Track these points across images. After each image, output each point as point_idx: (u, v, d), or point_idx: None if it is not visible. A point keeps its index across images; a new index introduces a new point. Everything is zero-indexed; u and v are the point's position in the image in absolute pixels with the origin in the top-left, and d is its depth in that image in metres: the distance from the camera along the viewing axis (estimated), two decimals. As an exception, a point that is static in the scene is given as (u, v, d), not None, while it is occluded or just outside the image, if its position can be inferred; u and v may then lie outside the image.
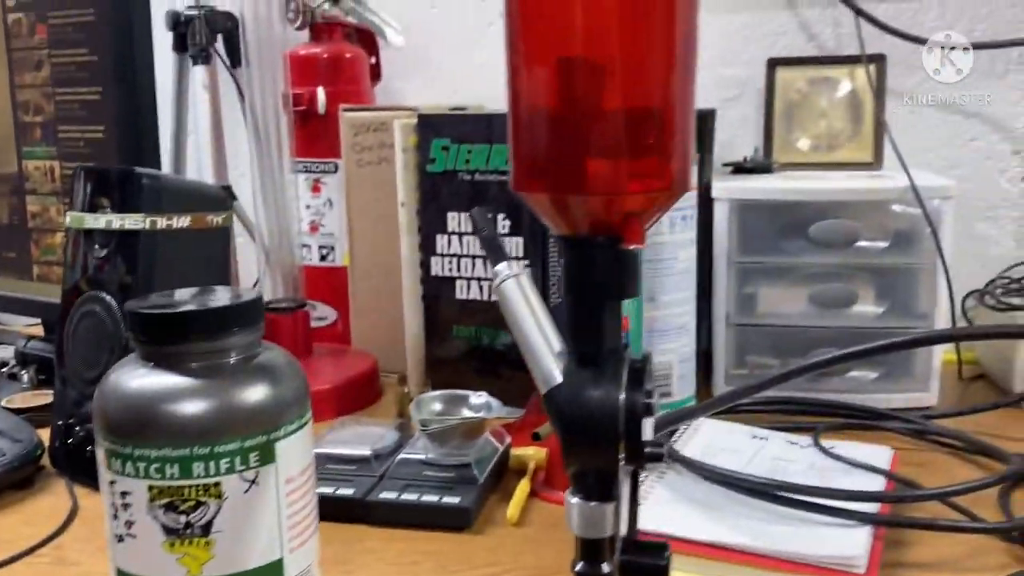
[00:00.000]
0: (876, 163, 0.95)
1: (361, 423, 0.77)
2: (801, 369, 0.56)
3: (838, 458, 0.68)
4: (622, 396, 0.35)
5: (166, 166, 1.06)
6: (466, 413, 0.71)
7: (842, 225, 0.83)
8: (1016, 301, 0.91)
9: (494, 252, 0.40)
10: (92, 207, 0.71)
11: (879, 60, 0.95)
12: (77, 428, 0.71)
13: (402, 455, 0.69)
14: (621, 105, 0.34)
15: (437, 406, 0.72)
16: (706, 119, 0.86)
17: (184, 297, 0.45)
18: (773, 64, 0.98)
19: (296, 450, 0.43)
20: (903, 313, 0.85)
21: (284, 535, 0.43)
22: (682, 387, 0.80)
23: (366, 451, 0.69)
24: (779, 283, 0.86)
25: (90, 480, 0.70)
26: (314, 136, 0.99)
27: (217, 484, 0.40)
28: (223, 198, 0.75)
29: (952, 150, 1.00)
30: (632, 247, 0.34)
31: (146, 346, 0.42)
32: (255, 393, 0.42)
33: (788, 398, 0.83)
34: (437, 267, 0.87)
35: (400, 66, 1.10)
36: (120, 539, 0.42)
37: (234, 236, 1.01)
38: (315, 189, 1.00)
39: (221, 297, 0.44)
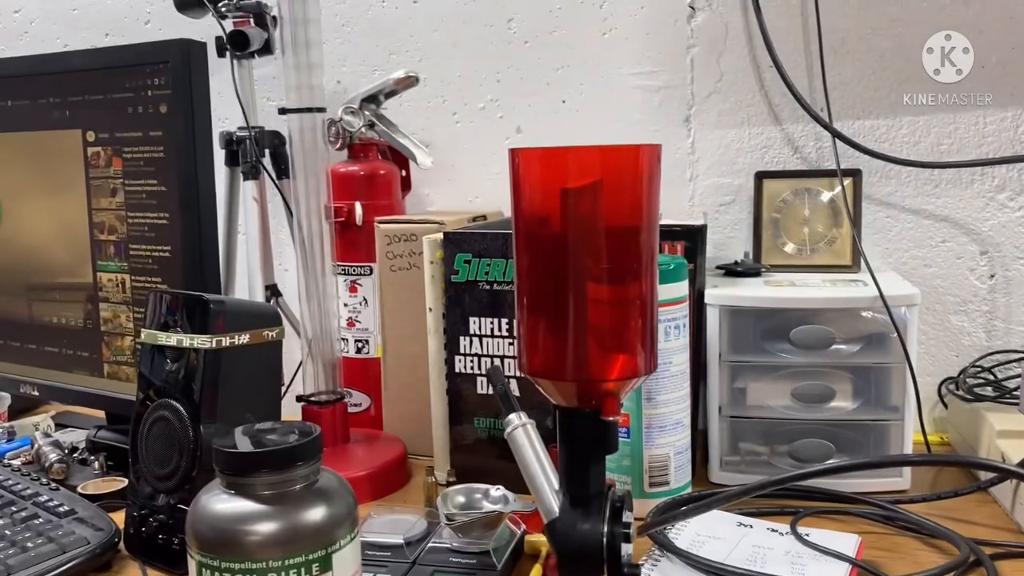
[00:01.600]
0: (854, 266, 1.05)
1: (394, 511, 0.87)
2: (800, 475, 0.65)
3: (811, 545, 0.78)
4: (605, 529, 0.46)
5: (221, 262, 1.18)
6: (486, 506, 0.81)
7: (819, 330, 0.93)
8: (985, 392, 1.01)
9: (506, 405, 0.51)
10: (164, 326, 0.83)
11: (855, 174, 1.06)
12: (151, 519, 0.82)
13: (431, 543, 0.80)
14: (600, 321, 0.45)
15: (460, 499, 0.82)
16: (697, 233, 0.97)
17: (259, 433, 0.57)
18: (760, 176, 1.09)
19: (348, 557, 0.54)
20: (877, 406, 0.94)
21: None
22: (679, 476, 0.90)
23: (399, 539, 0.79)
24: (765, 379, 0.96)
25: (162, 564, 0.81)
26: (352, 243, 1.11)
27: None
28: (276, 315, 0.87)
29: (925, 250, 1.11)
30: (610, 418, 0.45)
31: (227, 476, 0.54)
32: (316, 514, 0.53)
33: (777, 480, 0.92)
34: (460, 365, 0.98)
35: (427, 175, 1.22)
36: None
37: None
38: (352, 289, 1.12)
39: (288, 435, 0.56)
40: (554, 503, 0.47)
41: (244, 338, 0.83)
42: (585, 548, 0.45)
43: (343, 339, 1.13)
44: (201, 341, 0.81)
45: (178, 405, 0.81)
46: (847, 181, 1.05)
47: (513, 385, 0.96)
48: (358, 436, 1.07)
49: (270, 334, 0.85)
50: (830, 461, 0.94)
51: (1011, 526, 0.85)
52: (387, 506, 0.92)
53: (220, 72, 1.18)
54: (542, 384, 0.46)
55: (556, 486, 0.48)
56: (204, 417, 0.80)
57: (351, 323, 1.12)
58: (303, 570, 0.51)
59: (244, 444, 0.55)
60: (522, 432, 0.50)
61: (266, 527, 0.51)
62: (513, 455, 0.50)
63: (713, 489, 0.94)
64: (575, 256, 0.44)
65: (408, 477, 1.03)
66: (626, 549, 0.46)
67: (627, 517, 0.47)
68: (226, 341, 0.81)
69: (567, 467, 0.47)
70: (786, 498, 0.90)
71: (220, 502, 0.53)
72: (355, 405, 1.13)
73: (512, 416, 0.50)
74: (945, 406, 1.09)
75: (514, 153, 0.45)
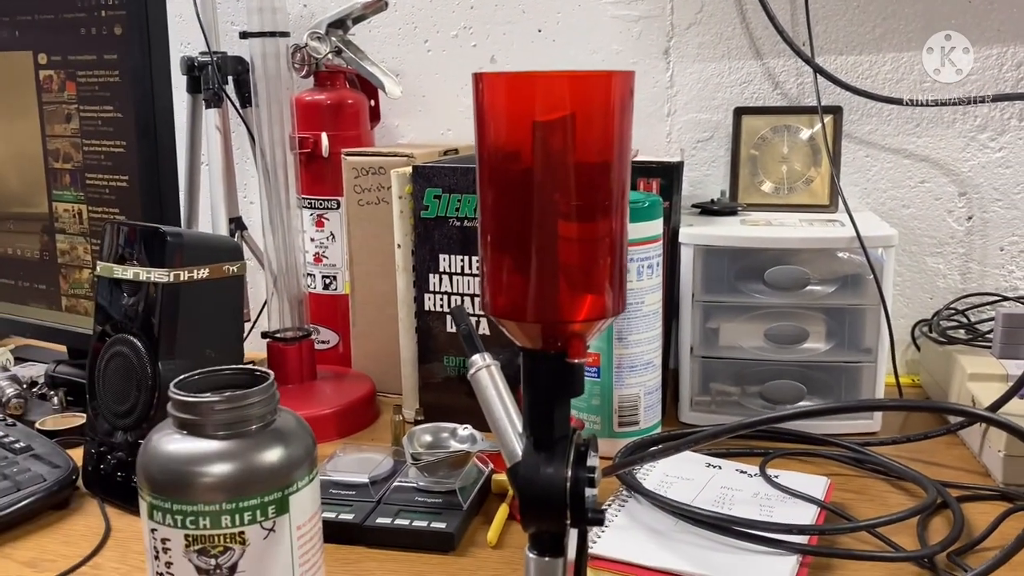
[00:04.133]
0: (831, 206, 1.03)
1: (361, 449, 0.86)
2: (772, 419, 0.63)
3: (780, 487, 0.77)
4: (569, 473, 0.44)
5: (181, 197, 1.14)
6: (453, 445, 0.80)
7: (794, 271, 0.91)
8: (958, 335, 1.00)
9: (470, 345, 0.49)
10: (120, 259, 0.80)
11: (836, 111, 1.03)
12: (109, 456, 0.80)
13: (396, 482, 0.78)
14: (568, 259, 0.42)
15: (427, 438, 0.81)
16: (673, 171, 0.94)
17: (214, 373, 0.55)
18: (739, 112, 1.06)
19: (306, 500, 0.52)
20: (850, 348, 0.94)
21: (296, 569, 0.52)
22: (648, 416, 0.89)
23: (364, 478, 0.78)
24: (738, 319, 0.95)
25: (120, 502, 0.80)
26: (318, 176, 1.07)
27: (242, 533, 0.49)
28: (237, 249, 0.84)
29: (904, 191, 1.09)
30: (576, 360, 0.43)
31: (180, 416, 0.51)
32: (271, 456, 0.51)
33: (747, 423, 0.92)
34: (430, 303, 0.96)
35: (397, 105, 1.18)
36: None
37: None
38: (319, 224, 1.09)
39: (242, 378, 0.54)
40: (517, 446, 0.46)
41: (204, 272, 0.80)
42: (548, 492, 0.44)
43: (310, 275, 1.10)
44: (159, 275, 0.78)
45: (136, 340, 0.79)
46: (827, 119, 1.03)
47: (483, 325, 0.94)
48: (326, 373, 1.05)
49: (231, 268, 0.83)
50: (802, 403, 0.94)
51: (979, 468, 0.85)
52: (354, 444, 0.91)
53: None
54: (506, 325, 0.44)
55: (520, 429, 0.47)
56: (163, 353, 0.78)
57: (318, 258, 1.09)
58: (258, 513, 0.50)
59: (197, 384, 0.53)
60: (485, 373, 0.48)
61: (219, 469, 0.49)
62: (478, 400, 0.48)
63: (683, 429, 0.93)
64: (542, 191, 0.42)
65: (377, 415, 1.02)
66: (591, 493, 0.45)
67: (592, 461, 0.45)
68: (185, 275, 0.79)
69: (531, 410, 0.45)
70: (756, 439, 0.89)
71: (172, 442, 0.51)
72: (323, 342, 1.11)
73: (476, 357, 0.49)
74: (918, 348, 1.09)
75: (478, 78, 0.43)
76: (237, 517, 0.49)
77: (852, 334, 0.94)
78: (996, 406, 0.80)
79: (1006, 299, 1.07)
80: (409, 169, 0.94)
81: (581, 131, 0.42)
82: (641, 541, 0.69)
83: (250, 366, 0.55)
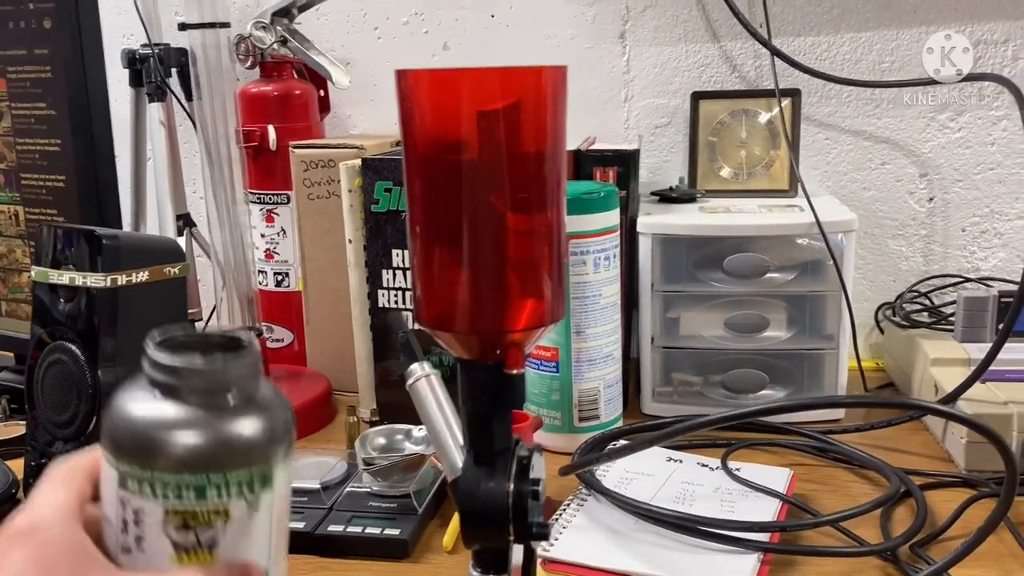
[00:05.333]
0: (791, 190, 1.02)
1: (314, 453, 0.83)
2: (726, 418, 0.62)
3: (742, 481, 0.76)
4: (510, 487, 0.42)
5: (126, 193, 1.10)
6: (408, 447, 0.78)
7: (753, 258, 0.90)
8: (921, 318, 0.99)
9: (408, 354, 0.47)
10: (56, 263, 0.77)
11: (794, 94, 1.01)
12: (49, 468, 0.77)
13: (349, 487, 0.76)
14: (504, 266, 0.40)
15: (381, 440, 0.78)
16: (630, 159, 0.92)
17: (196, 338, 0.48)
18: (696, 97, 1.04)
19: (286, 475, 0.46)
20: (812, 335, 0.92)
21: (272, 548, 0.46)
22: (609, 410, 0.88)
23: (316, 484, 0.76)
24: (698, 309, 0.93)
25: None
26: (267, 170, 1.04)
27: (227, 507, 0.43)
28: (178, 250, 0.81)
29: (865, 173, 1.08)
30: (515, 371, 0.41)
31: (164, 379, 0.43)
32: (263, 425, 0.44)
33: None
34: (384, 299, 0.93)
35: (349, 95, 1.15)
36: (127, 551, 0.43)
37: (195, 264, 1.07)
38: (269, 219, 1.06)
39: (228, 341, 0.46)
40: (458, 460, 0.44)
41: (143, 275, 0.77)
42: (489, 507, 0.42)
43: (261, 271, 1.07)
44: (95, 279, 0.75)
45: (74, 347, 0.76)
46: (785, 102, 1.01)
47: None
48: (280, 373, 1.02)
49: (172, 270, 0.79)
50: (763, 392, 0.93)
51: (942, 454, 0.84)
52: (308, 448, 0.88)
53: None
54: (440, 336, 0.41)
55: (461, 441, 0.44)
56: (102, 360, 0.75)
57: (269, 255, 1.06)
58: (245, 486, 0.44)
59: (180, 344, 0.45)
60: (424, 383, 0.46)
61: (211, 436, 0.43)
62: (417, 411, 0.46)
63: (645, 422, 0.91)
64: (472, 196, 0.40)
65: (333, 414, 0.99)
66: (534, 508, 0.43)
67: (535, 473, 0.43)
68: (123, 279, 0.75)
69: (470, 423, 0.43)
70: (719, 429, 0.88)
71: (153, 405, 0.44)
72: (276, 340, 1.08)
73: (414, 366, 0.46)
74: (882, 331, 1.08)
75: (401, 75, 0.40)
76: (224, 491, 0.43)
77: (813, 321, 0.92)
78: (957, 393, 0.79)
79: (968, 280, 1.07)
80: (358, 162, 0.92)
81: (513, 130, 0.40)
82: (600, 542, 0.67)
83: (234, 329, 0.49)
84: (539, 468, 0.44)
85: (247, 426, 0.44)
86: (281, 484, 0.46)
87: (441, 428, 0.45)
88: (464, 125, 0.40)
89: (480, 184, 0.41)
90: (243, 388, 0.45)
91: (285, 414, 0.47)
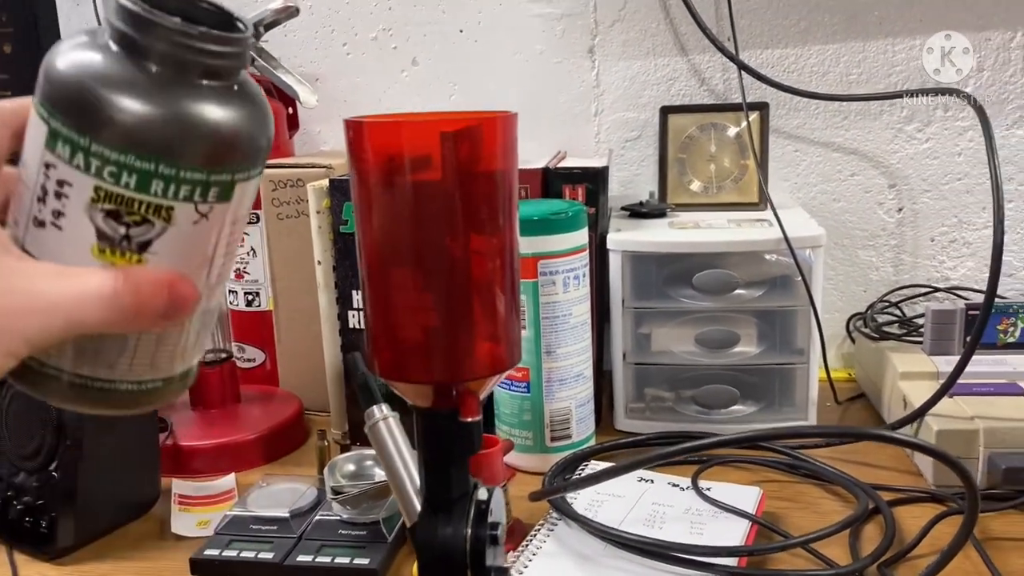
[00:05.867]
0: (761, 203, 1.02)
1: (284, 479, 0.83)
2: (688, 448, 0.62)
3: (711, 502, 0.76)
4: (468, 533, 0.42)
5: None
6: (378, 473, 0.77)
7: (722, 274, 0.90)
8: (891, 330, 1.00)
9: (366, 396, 0.46)
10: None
11: (762, 108, 1.02)
12: (15, 501, 0.76)
13: (319, 516, 0.76)
14: (458, 313, 0.40)
15: (350, 467, 0.78)
16: (598, 176, 0.92)
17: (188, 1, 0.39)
18: (665, 111, 1.04)
19: (249, 195, 0.40)
20: (782, 350, 0.93)
21: (212, 275, 0.39)
22: (581, 429, 0.87)
23: (285, 512, 0.75)
24: (669, 325, 0.94)
25: (30, 547, 0.76)
26: (235, 189, 1.03)
27: (171, 208, 0.36)
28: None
29: (834, 184, 1.08)
30: (470, 419, 0.41)
31: (122, 30, 0.36)
32: (238, 122, 0.38)
33: (679, 432, 0.90)
34: (354, 320, 0.93)
35: (318, 111, 1.14)
36: (41, 224, 0.37)
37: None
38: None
39: (225, 19, 0.39)
40: (416, 506, 0.44)
41: (107, 304, 0.76)
42: (448, 554, 0.42)
43: (232, 291, 1.06)
44: (58, 310, 0.74)
45: (38, 379, 0.75)
46: (753, 115, 1.01)
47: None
48: (251, 394, 1.02)
49: (137, 298, 0.79)
50: (735, 407, 0.93)
51: (911, 468, 0.84)
52: (278, 474, 0.88)
53: (86, 5, 1.08)
54: (394, 384, 0.41)
55: (419, 486, 0.44)
56: (67, 391, 0.74)
57: (239, 275, 1.06)
58: (199, 190, 0.37)
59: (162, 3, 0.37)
60: (383, 427, 0.45)
61: (171, 115, 0.35)
62: (376, 453, 0.46)
63: (618, 439, 0.91)
64: (427, 243, 0.39)
65: (306, 436, 0.99)
66: (492, 552, 0.43)
67: (494, 517, 0.43)
68: (86, 309, 0.75)
69: (427, 470, 0.43)
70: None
71: (114, 59, 0.36)
72: (248, 360, 1.07)
73: (373, 409, 0.46)
74: (853, 342, 1.08)
75: (348, 125, 0.40)
76: (172, 187, 0.36)
77: (783, 335, 0.93)
78: (924, 409, 0.80)
79: (937, 290, 1.07)
80: (325, 182, 0.91)
81: (465, 179, 0.39)
82: (568, 568, 0.67)
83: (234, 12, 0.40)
84: (498, 511, 0.44)
85: (217, 117, 0.37)
86: (239, 204, 0.39)
87: (399, 473, 0.45)
88: (404, 173, 0.40)
89: (434, 231, 0.40)
90: (222, 71, 0.37)
91: (264, 123, 0.39)
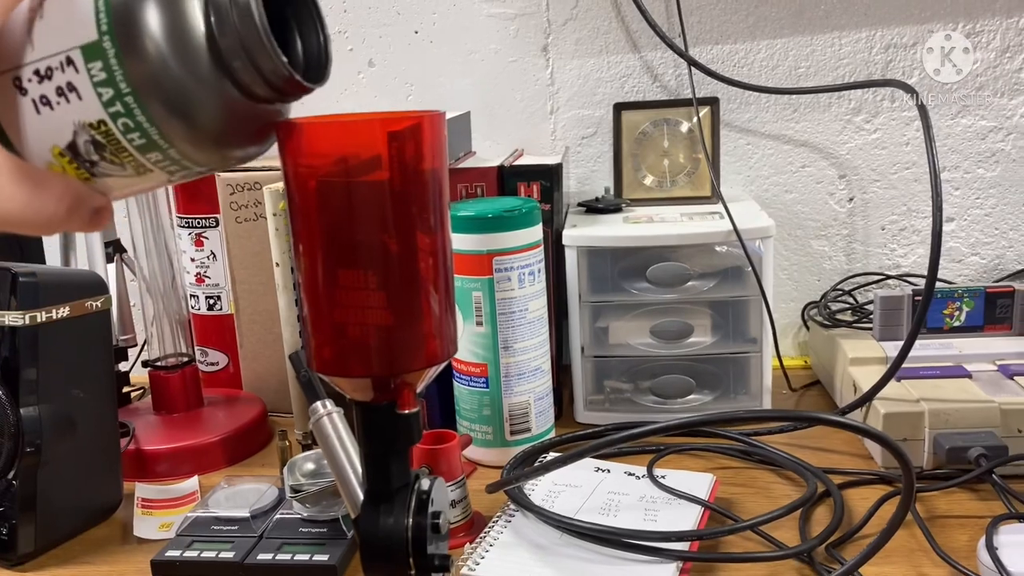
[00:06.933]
0: (714, 197, 1.04)
1: (246, 480, 0.84)
2: (661, 428, 0.63)
3: (666, 489, 0.78)
4: (409, 522, 0.43)
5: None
6: (336, 471, 0.78)
7: (674, 267, 0.92)
8: (844, 317, 1.02)
9: (310, 393, 0.47)
10: (-28, 302, 0.76)
11: (712, 103, 1.03)
12: (-23, 509, 0.77)
13: (279, 514, 0.76)
14: (387, 319, 0.41)
15: (310, 466, 0.79)
16: (552, 173, 0.93)
17: None
18: (618, 108, 1.05)
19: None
20: (736, 339, 0.94)
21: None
22: (540, 422, 0.89)
23: (245, 512, 0.76)
24: (625, 318, 0.95)
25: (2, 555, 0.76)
26: (194, 194, 1.04)
27: (149, 171, 0.37)
28: (100, 283, 0.81)
29: (786, 176, 1.10)
30: (407, 411, 0.42)
31: (231, 24, 0.35)
32: (240, 144, 0.39)
33: (636, 423, 0.92)
34: (313, 321, 0.93)
35: (275, 115, 1.15)
36: (22, 91, 0.36)
37: (127, 290, 1.06)
38: (198, 243, 1.05)
39: None
40: (360, 498, 0.45)
41: (64, 311, 0.77)
42: (389, 543, 0.43)
43: (193, 296, 1.07)
44: (13, 318, 0.74)
45: (-4, 387, 0.75)
46: (704, 111, 1.03)
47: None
48: (215, 397, 1.02)
49: (94, 304, 0.79)
50: (691, 396, 0.95)
51: (863, 452, 0.86)
52: (239, 475, 0.88)
53: None
54: (334, 380, 0.42)
55: (363, 479, 0.45)
56: (25, 398, 0.74)
57: (200, 279, 1.06)
58: (177, 170, 0.37)
59: None
60: (327, 422, 0.47)
61: (199, 99, 0.35)
62: (320, 448, 0.47)
63: (576, 432, 0.92)
64: (365, 243, 0.40)
65: (269, 438, 1.00)
66: (435, 542, 0.44)
67: (436, 507, 0.44)
68: (42, 316, 0.75)
69: (368, 462, 0.44)
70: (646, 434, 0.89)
71: (197, 31, 0.35)
72: (211, 364, 1.08)
73: (317, 404, 0.47)
74: (808, 329, 1.11)
75: (279, 128, 0.41)
76: (163, 160, 0.37)
77: (736, 325, 0.95)
78: (872, 393, 0.82)
79: (889, 277, 1.10)
80: (281, 185, 0.92)
81: (398, 171, 0.41)
82: (523, 559, 0.68)
83: None
84: (440, 501, 0.45)
85: (235, 130, 0.37)
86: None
87: (344, 466, 0.46)
88: (344, 172, 0.41)
89: (380, 230, 0.41)
90: (262, 100, 0.37)
91: (263, 150, 0.40)
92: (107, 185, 0.38)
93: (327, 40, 0.39)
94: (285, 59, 0.35)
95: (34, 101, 0.35)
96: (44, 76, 0.34)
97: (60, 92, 0.34)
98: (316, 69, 0.39)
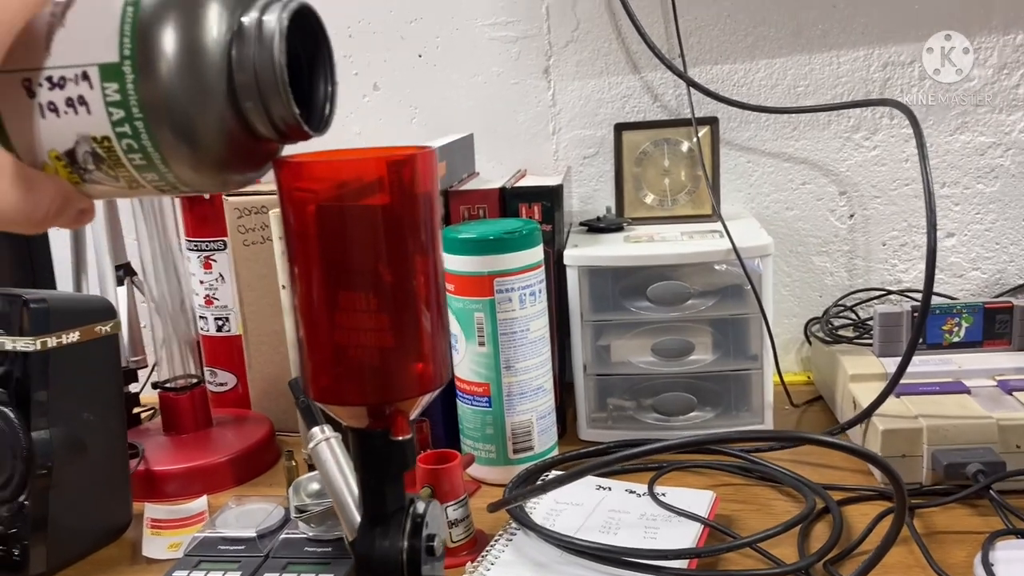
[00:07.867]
0: (715, 215, 1.05)
1: (253, 500, 0.85)
2: (639, 453, 0.65)
3: (666, 507, 0.78)
4: (404, 545, 0.45)
5: (65, 246, 1.11)
6: (341, 491, 0.80)
7: (674, 286, 0.93)
8: (846, 333, 1.03)
9: (308, 418, 0.49)
10: (-16, 328, 0.78)
11: (711, 122, 1.05)
12: (-10, 530, 0.78)
13: (285, 534, 0.78)
14: (386, 344, 0.42)
15: (314, 486, 0.80)
16: (553, 193, 0.95)
17: None
18: (619, 129, 1.07)
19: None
20: (736, 357, 0.95)
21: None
22: (543, 440, 0.90)
23: (252, 532, 0.78)
24: (627, 336, 0.96)
25: (9, 573, 0.78)
26: (202, 217, 1.06)
27: (143, 187, 0.39)
28: (108, 308, 0.82)
29: (787, 193, 1.11)
30: (401, 438, 0.43)
31: (251, 61, 0.37)
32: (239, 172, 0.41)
33: (638, 440, 0.93)
34: (319, 342, 0.95)
35: (282, 139, 1.17)
36: (30, 93, 0.37)
37: (137, 312, 1.08)
38: (207, 266, 1.07)
39: None
40: (357, 520, 0.46)
41: (74, 336, 0.79)
42: (385, 564, 0.44)
43: (203, 317, 1.08)
44: (24, 344, 0.76)
45: (7, 411, 0.77)
46: (703, 131, 1.04)
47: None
48: (223, 418, 1.04)
49: (103, 328, 0.81)
50: (693, 413, 0.96)
51: (863, 468, 0.87)
52: (247, 494, 0.90)
53: None
54: (330, 408, 0.44)
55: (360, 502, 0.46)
56: (36, 422, 0.76)
57: (209, 300, 1.08)
58: (170, 188, 0.39)
59: None
60: (325, 447, 0.48)
61: (206, 129, 0.37)
62: (319, 473, 0.48)
63: (579, 449, 0.93)
64: (366, 269, 0.42)
65: (277, 457, 1.01)
66: (430, 564, 0.45)
67: (431, 529, 0.45)
68: (52, 341, 0.77)
69: (363, 487, 0.45)
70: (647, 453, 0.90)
71: (220, 61, 0.37)
72: (220, 384, 1.10)
73: (315, 430, 0.48)
74: (811, 345, 1.11)
75: (277, 165, 0.42)
76: (159, 180, 0.38)
77: (737, 343, 0.95)
78: (871, 409, 0.82)
79: (890, 292, 1.10)
80: (287, 210, 0.93)
81: (390, 208, 0.42)
82: (525, 577, 0.69)
83: None
84: (436, 524, 0.47)
85: (234, 163, 0.38)
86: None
87: (342, 490, 0.47)
88: (330, 211, 0.43)
89: (381, 256, 0.43)
90: (264, 137, 0.39)
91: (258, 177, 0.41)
92: (95, 191, 0.39)
93: (334, 90, 0.41)
94: (298, 110, 0.36)
95: (41, 105, 0.36)
96: (56, 84, 0.35)
97: (70, 103, 0.35)
98: (319, 117, 0.41)
